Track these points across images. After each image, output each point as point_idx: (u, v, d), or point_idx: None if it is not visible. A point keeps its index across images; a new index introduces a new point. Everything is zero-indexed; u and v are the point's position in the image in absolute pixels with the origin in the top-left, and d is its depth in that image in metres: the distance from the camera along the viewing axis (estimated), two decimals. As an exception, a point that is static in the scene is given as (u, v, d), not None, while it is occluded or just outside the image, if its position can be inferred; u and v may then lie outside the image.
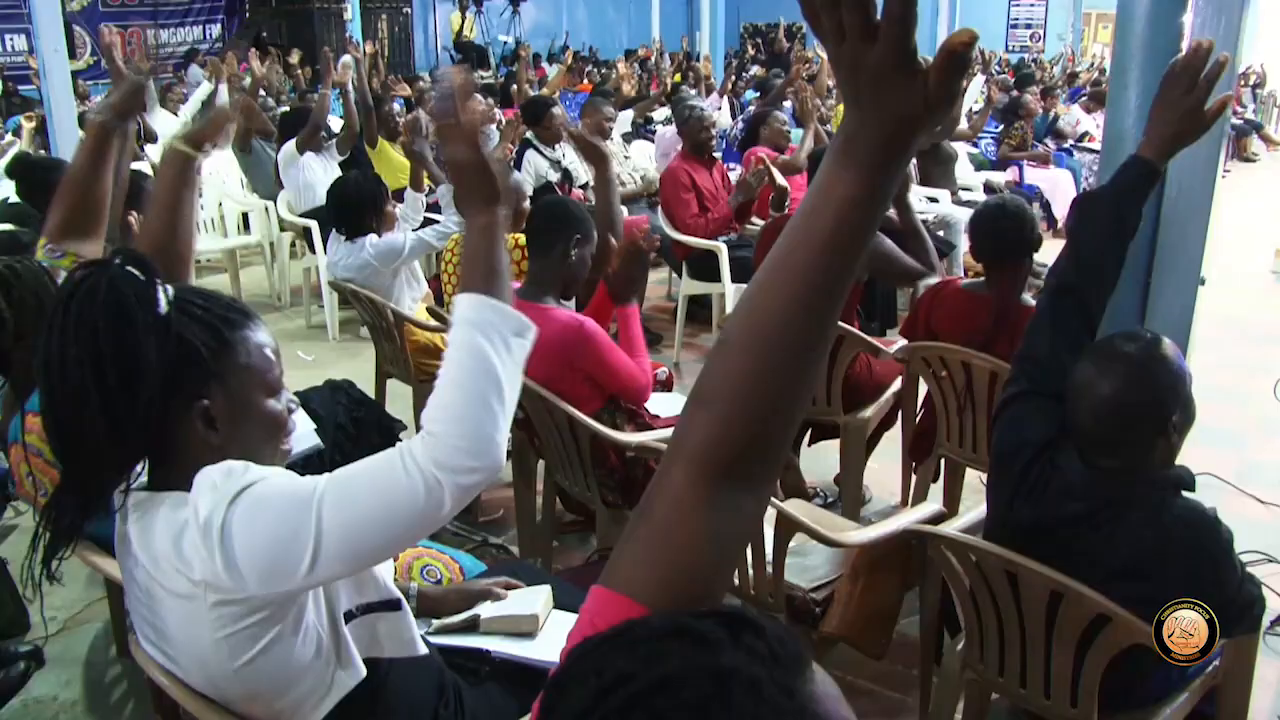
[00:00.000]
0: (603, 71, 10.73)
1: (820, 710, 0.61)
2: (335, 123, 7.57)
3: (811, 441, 3.58)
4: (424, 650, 1.45)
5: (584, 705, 0.60)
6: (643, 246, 2.69)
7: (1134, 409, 1.70)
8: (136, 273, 1.23)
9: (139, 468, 1.31)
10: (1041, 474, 1.80)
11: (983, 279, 2.97)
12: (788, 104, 7.54)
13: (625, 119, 7.01)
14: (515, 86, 8.72)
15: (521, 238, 3.16)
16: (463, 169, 1.29)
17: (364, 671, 1.34)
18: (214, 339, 1.27)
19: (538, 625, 1.75)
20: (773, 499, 2.11)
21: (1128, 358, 1.71)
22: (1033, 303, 2.83)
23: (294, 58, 11.88)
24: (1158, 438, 1.71)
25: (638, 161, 6.46)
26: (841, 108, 9.00)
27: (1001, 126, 7.84)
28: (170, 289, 1.26)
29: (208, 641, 1.22)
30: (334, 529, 1.16)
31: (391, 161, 6.01)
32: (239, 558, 1.16)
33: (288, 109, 7.00)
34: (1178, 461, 1.77)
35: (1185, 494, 1.74)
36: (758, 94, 9.00)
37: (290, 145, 5.49)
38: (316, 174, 5.43)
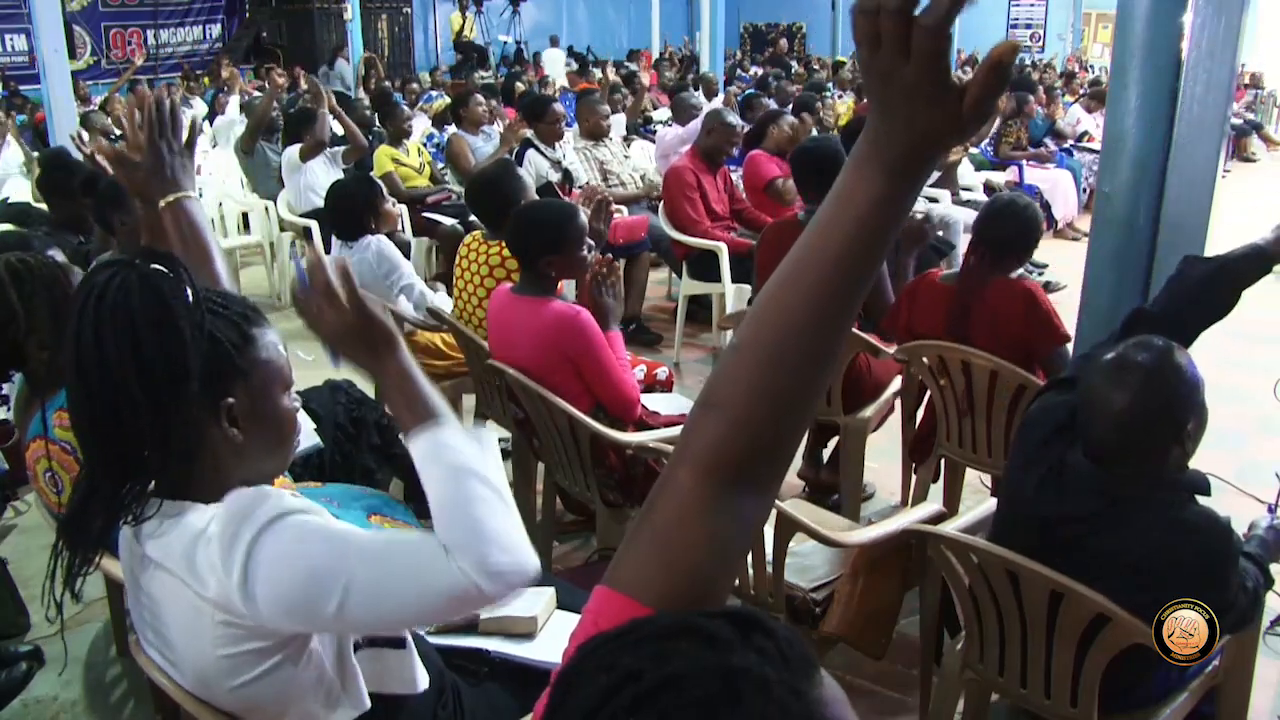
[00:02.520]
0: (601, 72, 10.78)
1: (827, 714, 0.61)
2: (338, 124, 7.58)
3: (824, 443, 3.58)
4: (424, 687, 1.43)
5: (592, 702, 0.60)
6: (605, 275, 2.74)
7: (1149, 423, 1.68)
8: (164, 269, 1.21)
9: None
10: (1055, 460, 1.80)
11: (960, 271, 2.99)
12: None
13: (620, 122, 6.99)
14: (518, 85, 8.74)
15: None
16: (346, 334, 1.26)
17: (368, 704, 1.32)
18: (238, 335, 1.25)
19: (535, 628, 1.74)
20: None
21: (1142, 370, 1.68)
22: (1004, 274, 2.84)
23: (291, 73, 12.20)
24: (1172, 446, 1.70)
25: (638, 161, 6.44)
26: (841, 104, 9.01)
27: (997, 124, 7.86)
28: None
29: (209, 656, 1.20)
30: (363, 588, 1.14)
31: (387, 166, 6.00)
32: (260, 589, 1.14)
33: (292, 110, 7.03)
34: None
35: (1200, 498, 1.74)
36: (756, 93, 9.00)
37: (294, 153, 5.55)
38: (318, 177, 5.47)
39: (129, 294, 1.18)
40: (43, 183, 4.36)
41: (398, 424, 1.30)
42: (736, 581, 2.23)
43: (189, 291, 1.21)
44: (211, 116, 8.89)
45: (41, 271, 1.92)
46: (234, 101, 8.55)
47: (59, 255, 2.57)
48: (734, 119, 5.19)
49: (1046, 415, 1.88)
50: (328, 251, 4.17)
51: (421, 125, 7.44)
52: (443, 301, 3.58)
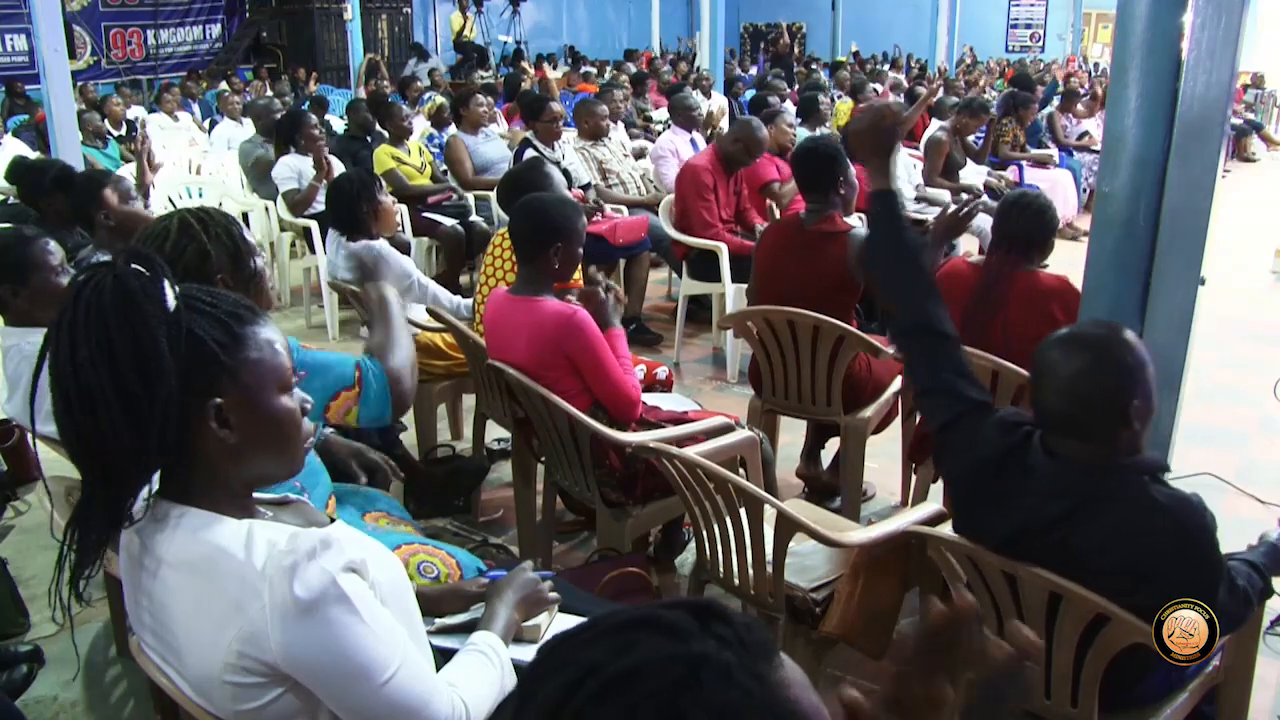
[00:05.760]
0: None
1: (790, 695, 0.62)
2: (338, 122, 7.58)
3: (824, 444, 3.58)
4: None
5: (557, 697, 0.61)
6: (600, 294, 2.75)
7: (1095, 388, 1.71)
8: (142, 269, 1.19)
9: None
10: (1013, 481, 1.80)
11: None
12: (790, 106, 7.51)
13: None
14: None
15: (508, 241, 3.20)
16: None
17: None
18: (224, 334, 1.23)
19: (539, 635, 1.73)
20: (772, 499, 2.11)
21: (1090, 339, 1.76)
22: (1032, 268, 2.93)
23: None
24: (1119, 424, 1.70)
25: (638, 160, 6.44)
26: (842, 105, 9.00)
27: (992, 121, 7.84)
28: (176, 286, 1.23)
29: (214, 679, 1.19)
30: (380, 701, 1.21)
31: (388, 164, 6.00)
32: (300, 650, 1.16)
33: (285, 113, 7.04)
34: (1175, 460, 1.77)
35: (1165, 479, 1.74)
36: (757, 92, 9.01)
37: (284, 169, 5.57)
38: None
39: (101, 296, 1.16)
40: (20, 193, 4.41)
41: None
42: (737, 581, 2.23)
43: (166, 290, 1.19)
44: (212, 120, 8.91)
45: (219, 217, 1.96)
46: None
47: (54, 247, 2.57)
48: (764, 133, 4.98)
49: (979, 466, 1.86)
50: (325, 251, 4.17)
51: (420, 126, 7.44)
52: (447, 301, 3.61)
